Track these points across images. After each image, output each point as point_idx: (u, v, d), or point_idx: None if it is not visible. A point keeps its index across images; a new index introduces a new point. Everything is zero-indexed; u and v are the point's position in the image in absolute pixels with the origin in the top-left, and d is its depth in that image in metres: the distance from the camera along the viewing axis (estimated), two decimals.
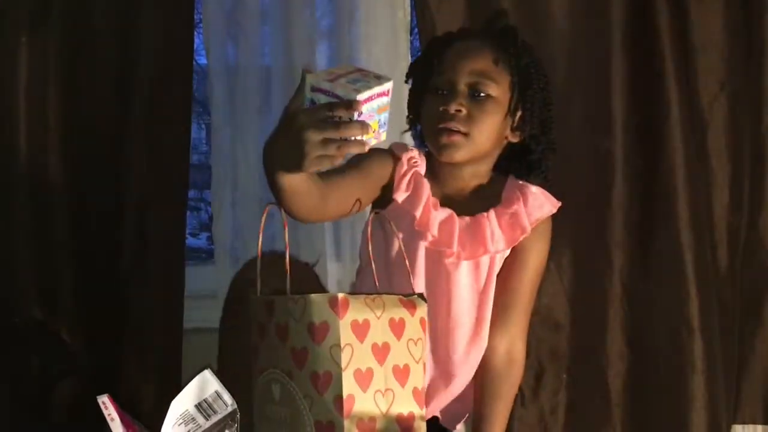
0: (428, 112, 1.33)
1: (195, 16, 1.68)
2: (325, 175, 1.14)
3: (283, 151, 0.99)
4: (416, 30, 1.79)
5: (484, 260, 1.33)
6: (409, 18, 1.77)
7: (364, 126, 0.95)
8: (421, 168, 1.33)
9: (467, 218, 1.32)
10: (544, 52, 1.51)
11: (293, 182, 1.03)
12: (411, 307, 1.12)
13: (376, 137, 1.00)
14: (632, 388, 1.67)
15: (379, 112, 0.99)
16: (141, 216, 1.64)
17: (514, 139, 1.36)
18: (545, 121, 1.36)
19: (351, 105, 0.94)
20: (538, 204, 1.35)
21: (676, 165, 1.64)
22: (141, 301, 1.63)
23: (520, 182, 1.37)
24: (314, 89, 0.96)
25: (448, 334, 1.32)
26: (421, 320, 1.13)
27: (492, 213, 1.32)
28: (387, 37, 1.75)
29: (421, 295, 1.16)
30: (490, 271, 1.34)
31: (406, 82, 1.42)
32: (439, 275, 1.31)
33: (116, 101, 1.65)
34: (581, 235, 1.68)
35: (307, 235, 1.72)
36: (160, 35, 1.63)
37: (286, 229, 1.11)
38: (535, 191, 1.35)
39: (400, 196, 1.29)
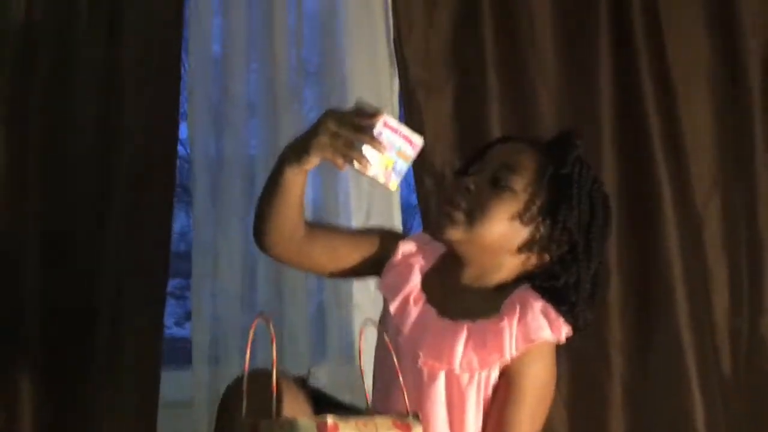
0: (443, 194, 1.28)
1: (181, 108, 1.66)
2: (319, 226, 1.23)
3: (300, 138, 1.09)
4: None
5: (464, 375, 1.16)
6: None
7: (376, 142, 1.04)
8: (420, 262, 1.24)
9: (447, 321, 1.18)
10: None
11: (292, 176, 1.10)
12: (406, 429, 1.04)
13: (385, 177, 1.07)
14: None
15: (398, 155, 1.07)
16: (116, 312, 1.57)
17: (536, 257, 1.19)
18: (581, 248, 1.18)
19: (375, 113, 1.05)
20: (536, 326, 1.15)
21: (673, 265, 1.62)
22: (112, 411, 1.53)
23: (530, 294, 1.18)
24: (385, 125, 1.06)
25: None
26: None
27: (473, 325, 1.16)
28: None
29: (416, 415, 1.07)
30: (470, 389, 1.17)
31: (453, 176, 1.35)
32: (417, 385, 1.16)
33: (97, 191, 1.60)
34: (577, 337, 1.61)
35: (291, 339, 1.64)
36: (142, 126, 1.60)
37: (274, 344, 1.03)
38: (537, 310, 1.16)
39: (381, 284, 1.23)
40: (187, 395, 1.62)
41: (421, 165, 1.65)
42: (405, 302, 1.20)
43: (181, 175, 2.07)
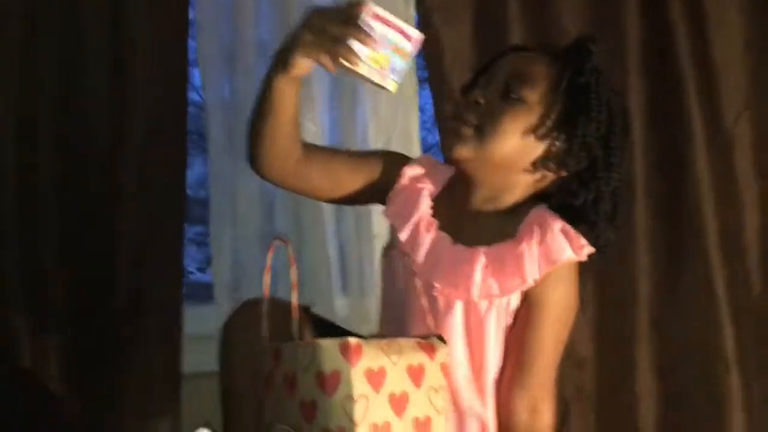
0: (451, 111, 1.19)
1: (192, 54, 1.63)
2: (317, 147, 1.17)
3: (286, 42, 1.02)
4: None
5: (482, 303, 1.11)
6: None
7: (363, 34, 0.96)
8: (428, 187, 1.17)
9: (461, 248, 1.11)
10: None
11: (281, 85, 1.03)
12: (430, 350, 1.01)
13: (380, 75, 0.98)
14: (664, 426, 1.57)
15: (395, 51, 0.98)
16: (138, 254, 1.56)
17: (552, 174, 1.12)
18: (600, 162, 1.11)
19: (360, 2, 0.96)
20: (557, 247, 1.09)
21: (703, 186, 1.58)
22: (137, 344, 1.53)
23: (545, 211, 1.13)
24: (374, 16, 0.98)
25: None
26: (442, 365, 1.01)
27: (489, 250, 1.10)
28: None
29: (440, 337, 1.04)
30: (489, 316, 1.11)
31: (462, 94, 1.23)
32: (433, 315, 1.09)
33: (111, 139, 1.56)
34: (603, 264, 1.58)
35: (311, 270, 1.62)
36: (154, 71, 1.56)
37: (294, 265, 1.00)
38: (557, 230, 1.10)
39: (389, 211, 1.17)
40: (210, 329, 1.62)
41: (439, 92, 1.60)
42: (416, 230, 1.14)
43: (196, 122, 2.05)
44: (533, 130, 1.10)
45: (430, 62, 1.61)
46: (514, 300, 1.12)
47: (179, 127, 1.60)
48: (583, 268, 1.51)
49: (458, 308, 1.12)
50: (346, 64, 0.98)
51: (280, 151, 1.11)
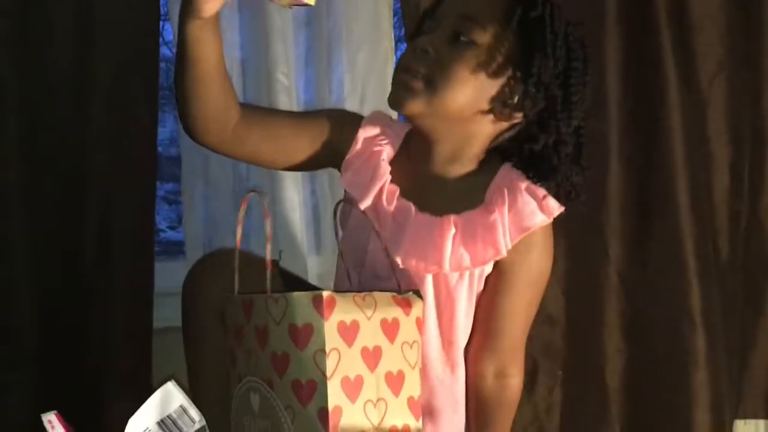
0: (396, 64, 1.09)
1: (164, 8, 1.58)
2: (257, 109, 1.12)
3: None
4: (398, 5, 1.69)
5: (452, 275, 1.07)
6: None
7: None
8: (386, 149, 1.10)
9: (428, 217, 1.06)
10: None
11: (195, 31, 0.96)
12: (406, 305, 1.01)
13: None
14: (631, 384, 1.59)
15: None
16: (106, 210, 1.52)
17: (510, 119, 1.07)
18: (559, 103, 1.05)
19: None
20: (528, 212, 1.05)
21: (675, 148, 1.57)
22: (106, 299, 1.51)
23: (514, 174, 1.08)
24: None
25: None
26: (417, 320, 1.01)
27: (460, 219, 1.05)
28: (368, 14, 1.65)
29: (417, 292, 1.03)
30: (459, 288, 1.09)
31: (407, 41, 1.22)
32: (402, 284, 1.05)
33: (78, 94, 1.51)
34: (574, 223, 1.58)
35: (284, 228, 1.61)
36: (123, 25, 1.51)
37: (268, 217, 0.99)
38: (526, 193, 1.06)
39: (346, 179, 1.09)
40: (180, 285, 1.61)
41: None
42: (377, 199, 1.07)
43: (169, 78, 2.00)
44: (488, 74, 1.04)
45: (406, 20, 1.59)
46: (487, 269, 1.10)
47: (150, 83, 1.55)
48: (554, 228, 1.54)
49: (428, 282, 1.08)
50: None
51: (212, 112, 1.04)
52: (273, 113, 1.21)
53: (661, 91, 1.57)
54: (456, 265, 1.06)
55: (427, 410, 1.10)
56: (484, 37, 1.04)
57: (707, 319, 1.54)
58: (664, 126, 1.57)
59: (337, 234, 1.15)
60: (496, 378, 1.13)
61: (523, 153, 1.08)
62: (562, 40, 1.05)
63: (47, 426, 0.90)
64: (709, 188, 1.62)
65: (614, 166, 1.59)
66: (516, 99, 1.06)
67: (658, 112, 1.58)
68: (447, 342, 1.11)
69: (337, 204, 1.09)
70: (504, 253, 1.06)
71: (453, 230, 1.05)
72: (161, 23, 1.61)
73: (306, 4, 0.94)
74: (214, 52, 1.00)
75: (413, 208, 1.07)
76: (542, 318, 1.58)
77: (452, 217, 1.06)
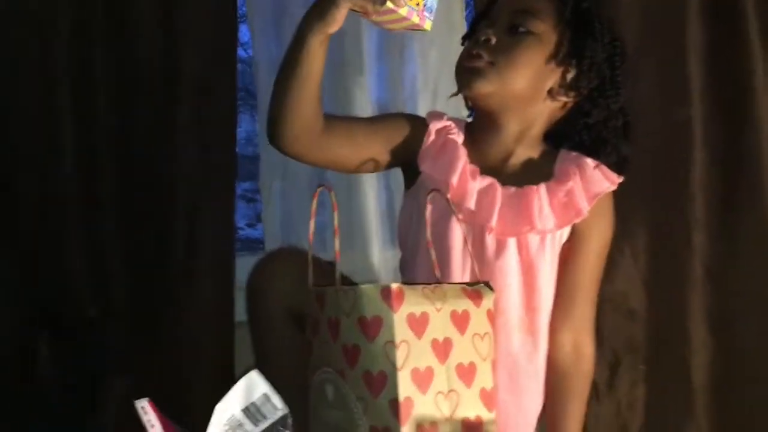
0: (459, 57, 1.21)
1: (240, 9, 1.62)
2: (334, 117, 1.17)
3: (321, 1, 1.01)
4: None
5: (533, 241, 1.17)
6: None
7: None
8: (457, 137, 1.20)
9: (512, 189, 1.17)
10: (612, 12, 1.39)
11: (316, 44, 1.04)
12: (476, 297, 1.01)
13: (419, 16, 1.01)
14: (717, 379, 1.53)
15: None
16: (191, 208, 1.58)
17: (566, 98, 1.20)
18: (608, 82, 1.20)
19: None
20: (597, 180, 1.18)
21: (763, 135, 1.51)
22: (191, 294, 1.57)
23: (574, 154, 1.22)
24: None
25: (497, 330, 1.13)
26: (488, 312, 1.02)
27: (543, 187, 1.17)
28: (440, 9, 1.64)
29: (487, 284, 1.04)
30: (540, 254, 1.18)
31: (463, 44, 1.28)
32: (483, 260, 1.15)
33: (163, 98, 1.58)
34: (657, 214, 1.55)
35: (359, 222, 1.63)
36: (203, 29, 1.57)
37: (336, 212, 1.01)
38: (591, 165, 1.19)
39: (427, 165, 1.17)
40: None
41: None
42: (463, 178, 1.16)
43: (244, 79, 2.06)
44: (546, 59, 1.17)
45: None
46: (565, 235, 1.19)
47: (229, 84, 1.60)
48: (637, 220, 1.51)
49: (512, 247, 1.16)
50: (391, 5, 0.99)
51: (307, 121, 1.11)
52: (349, 119, 1.30)
53: (747, 77, 1.51)
54: (543, 225, 1.16)
55: (509, 388, 1.18)
56: (539, 27, 1.17)
57: None
58: (750, 112, 1.51)
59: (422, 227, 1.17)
60: (574, 348, 1.21)
61: (577, 132, 1.22)
62: (607, 27, 1.20)
63: (140, 412, 0.94)
64: None
65: (698, 155, 1.54)
66: (573, 81, 1.19)
67: (745, 98, 1.52)
68: (530, 309, 1.18)
69: (427, 194, 1.11)
70: (585, 214, 1.17)
71: (537, 196, 1.16)
72: (238, 25, 1.65)
73: (422, 29, 1.03)
74: (322, 66, 1.08)
75: (496, 182, 1.18)
76: (623, 312, 1.55)
77: (533, 187, 1.17)
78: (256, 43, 1.68)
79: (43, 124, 1.55)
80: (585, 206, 1.17)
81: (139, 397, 0.96)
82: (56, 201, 1.55)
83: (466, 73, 1.17)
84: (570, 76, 1.19)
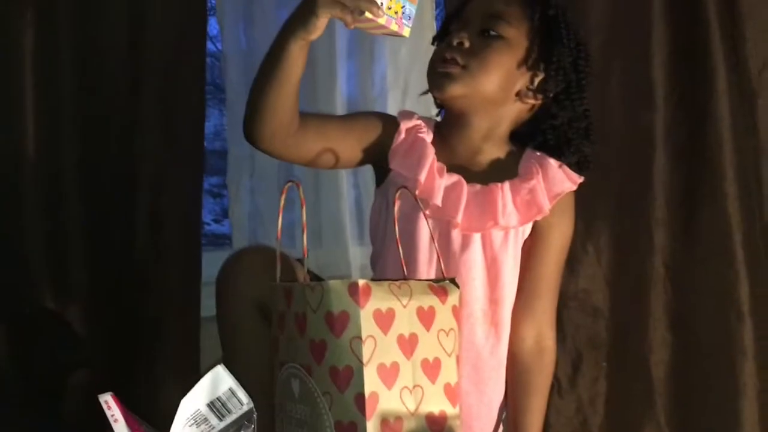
0: (431, 58, 1.24)
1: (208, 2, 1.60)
2: (309, 114, 1.18)
3: (301, 5, 1.03)
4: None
5: (497, 237, 1.21)
6: None
7: None
8: (426, 136, 1.23)
9: (477, 186, 1.22)
10: (578, 16, 1.40)
11: (297, 49, 1.05)
12: (442, 293, 1.03)
13: (397, 23, 1.03)
14: (676, 376, 1.56)
15: None
16: (156, 203, 1.57)
17: (533, 100, 1.24)
18: (574, 85, 1.24)
19: None
20: (559, 180, 1.23)
21: (723, 138, 1.54)
22: (157, 289, 1.56)
23: (538, 153, 1.26)
24: None
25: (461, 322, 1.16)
26: (454, 308, 1.03)
27: (507, 185, 1.22)
28: None
29: (453, 280, 1.06)
30: (504, 249, 1.22)
31: (433, 44, 1.31)
32: (446, 253, 1.20)
33: (129, 90, 1.56)
34: (620, 214, 1.58)
35: (328, 219, 1.64)
36: (171, 22, 1.55)
37: (304, 208, 1.02)
38: (554, 164, 1.24)
39: (397, 162, 1.20)
40: None
41: None
42: (430, 175, 1.19)
43: (212, 73, 2.05)
44: (516, 63, 1.21)
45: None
46: (528, 230, 1.24)
47: (197, 77, 1.59)
48: (600, 219, 1.53)
49: (477, 242, 1.20)
50: (370, 15, 1.00)
51: (284, 120, 1.12)
52: (322, 117, 1.31)
53: (709, 79, 1.54)
54: (507, 222, 1.20)
55: (473, 379, 1.22)
56: (509, 32, 1.21)
57: (755, 311, 1.51)
58: (711, 116, 1.54)
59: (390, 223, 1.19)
60: (536, 341, 1.25)
61: (542, 132, 1.26)
62: (573, 32, 1.25)
63: (104, 406, 0.93)
64: (758, 178, 1.58)
65: (660, 156, 1.57)
66: (540, 84, 1.23)
67: (707, 102, 1.55)
68: (493, 301, 1.22)
69: (396, 190, 1.13)
70: (546, 212, 1.22)
71: (500, 194, 1.20)
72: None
73: (399, 35, 1.05)
74: (302, 69, 1.09)
75: (462, 179, 1.21)
76: (587, 309, 1.58)
77: (498, 185, 1.21)
78: (225, 36, 1.67)
79: (6, 112, 1.52)
80: (547, 204, 1.21)
81: (102, 391, 0.96)
82: (16, 190, 1.52)
83: (438, 77, 1.20)
84: (538, 79, 1.23)
